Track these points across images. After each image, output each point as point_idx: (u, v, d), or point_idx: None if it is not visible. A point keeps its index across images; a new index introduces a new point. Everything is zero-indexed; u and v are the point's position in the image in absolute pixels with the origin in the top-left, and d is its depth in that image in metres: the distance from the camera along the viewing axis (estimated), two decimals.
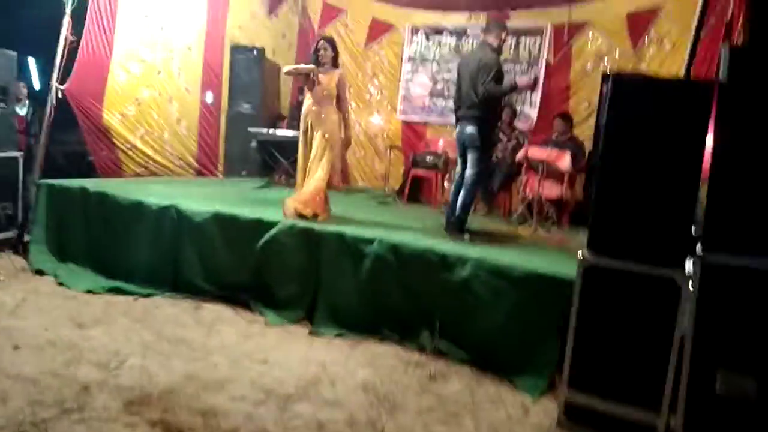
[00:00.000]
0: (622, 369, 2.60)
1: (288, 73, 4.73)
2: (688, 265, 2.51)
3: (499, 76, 4.05)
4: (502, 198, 6.11)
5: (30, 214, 4.88)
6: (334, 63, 4.53)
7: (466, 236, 4.08)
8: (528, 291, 3.23)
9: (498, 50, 4.18)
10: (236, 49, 7.04)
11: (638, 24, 6.13)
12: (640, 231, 2.58)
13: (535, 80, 4.42)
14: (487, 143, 4.19)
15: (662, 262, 2.53)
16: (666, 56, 5.91)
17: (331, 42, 4.53)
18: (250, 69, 7.06)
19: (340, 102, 4.48)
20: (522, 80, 4.29)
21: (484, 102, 4.05)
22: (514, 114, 6.30)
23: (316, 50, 4.48)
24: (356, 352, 3.44)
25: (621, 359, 2.60)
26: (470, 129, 4.14)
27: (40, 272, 4.40)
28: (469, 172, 4.16)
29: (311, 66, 4.45)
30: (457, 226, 4.15)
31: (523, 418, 2.81)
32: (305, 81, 4.52)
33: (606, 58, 6.46)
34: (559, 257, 3.69)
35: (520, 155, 5.54)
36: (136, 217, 4.34)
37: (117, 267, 4.35)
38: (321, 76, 4.44)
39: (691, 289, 2.44)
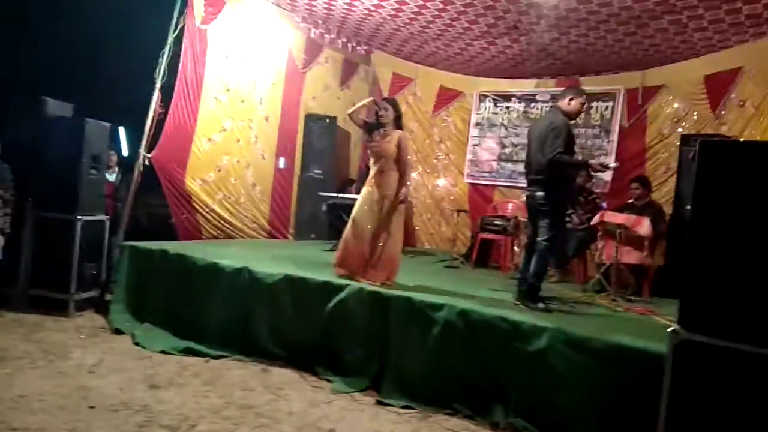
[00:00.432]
0: None
1: (351, 114, 4.58)
2: None
3: (568, 140, 3.92)
4: (576, 265, 5.88)
5: (113, 274, 5.10)
6: (397, 124, 4.42)
7: (541, 305, 3.88)
8: (610, 365, 3.00)
9: (569, 114, 4.05)
10: (310, 118, 7.34)
11: (717, 86, 5.92)
12: (734, 305, 2.36)
13: (607, 167, 4.09)
14: (558, 208, 4.00)
15: (760, 341, 2.29)
16: (749, 119, 5.63)
17: (392, 102, 4.47)
18: (322, 136, 7.32)
19: (400, 163, 4.33)
20: (594, 163, 4.00)
21: (553, 166, 3.90)
22: (589, 177, 6.11)
23: (377, 111, 4.43)
24: (425, 426, 3.27)
25: None
26: (539, 193, 4.00)
27: (118, 331, 4.53)
28: (540, 239, 3.98)
29: (370, 99, 4.45)
30: (530, 295, 3.96)
31: None
32: (365, 134, 4.48)
33: (683, 122, 6.25)
34: (642, 329, 3.44)
35: (596, 220, 5.34)
36: (211, 279, 4.44)
37: (191, 327, 4.42)
38: (381, 138, 4.36)
39: None
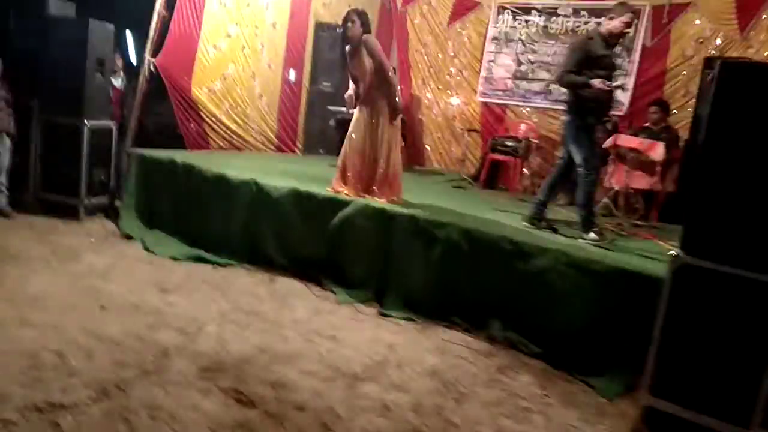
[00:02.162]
0: (711, 378, 2.41)
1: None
2: None
3: (586, 60, 3.71)
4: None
5: (122, 181, 5.15)
6: (366, 30, 4.07)
7: (592, 235, 3.79)
8: (611, 287, 3.06)
9: (606, 35, 3.76)
10: (320, 26, 7.06)
11: (748, 6, 5.61)
12: (741, 232, 2.36)
13: (614, 87, 3.80)
14: (585, 133, 3.81)
15: (761, 268, 2.31)
16: None
17: (359, 14, 4.06)
18: (333, 47, 7.01)
19: (380, 72, 4.07)
20: (596, 82, 3.67)
21: (565, 87, 3.83)
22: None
23: (344, 23, 4.06)
24: (424, 336, 3.39)
25: (710, 368, 2.42)
26: (566, 118, 3.95)
27: (128, 237, 4.64)
28: (577, 166, 3.85)
29: (349, 93, 4.20)
30: (583, 227, 3.88)
31: (596, 421, 2.68)
32: (342, 58, 4.21)
33: (708, 43, 5.98)
34: (646, 253, 3.47)
35: (608, 143, 5.24)
36: (219, 190, 4.48)
37: (200, 236, 4.51)
38: (352, 57, 4.09)
39: None
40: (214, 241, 4.44)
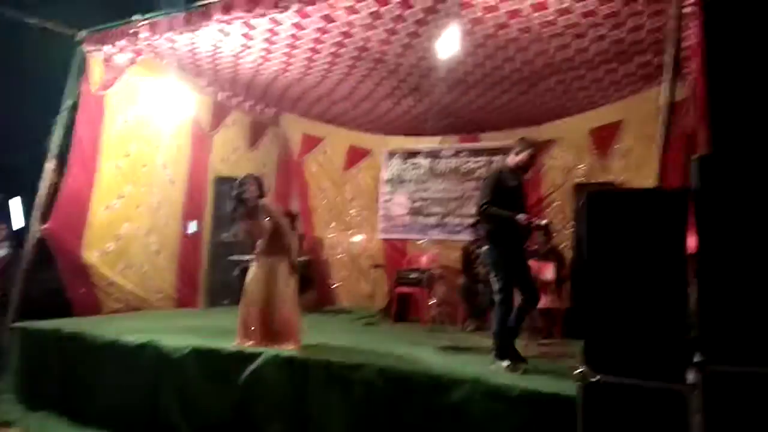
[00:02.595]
0: None
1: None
2: (690, 375, 2.40)
3: (501, 191, 3.89)
4: (491, 312, 6.02)
5: (4, 360, 4.64)
6: (260, 195, 4.37)
7: (506, 363, 3.72)
8: (528, 413, 3.05)
9: (515, 168, 4.01)
10: (219, 180, 7.20)
11: (603, 137, 6.45)
12: (636, 342, 2.49)
13: (539, 227, 3.96)
14: (500, 261, 3.89)
15: (664, 375, 2.41)
16: (634, 168, 6.13)
17: (255, 178, 4.38)
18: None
19: (279, 231, 4.31)
20: (521, 218, 3.84)
21: (487, 219, 3.94)
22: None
23: (240, 185, 4.32)
24: None
25: None
26: (483, 247, 4.06)
27: (5, 424, 4.07)
28: (494, 294, 3.94)
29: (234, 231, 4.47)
30: (496, 354, 3.84)
31: None
32: (240, 222, 4.42)
33: (575, 171, 6.71)
34: (559, 372, 3.54)
35: None
36: (113, 358, 4.14)
37: (92, 412, 4.09)
38: (252, 218, 4.33)
39: (696, 400, 2.31)
40: (110, 416, 4.00)
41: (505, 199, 3.91)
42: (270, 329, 4.18)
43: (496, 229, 3.93)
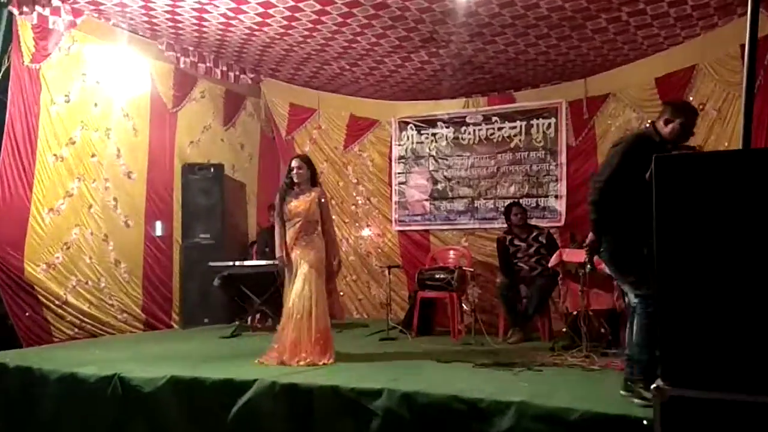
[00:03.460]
0: None
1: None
2: None
3: (629, 169, 3.54)
4: (539, 319, 6.08)
5: None
6: (313, 182, 4.98)
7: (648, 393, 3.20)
8: None
9: (665, 138, 3.65)
10: (189, 168, 7.27)
11: (671, 88, 6.37)
12: (722, 349, 2.46)
13: None
14: (636, 257, 3.57)
15: (758, 387, 2.39)
16: (712, 124, 6.06)
17: (305, 159, 5.04)
18: (207, 191, 7.24)
19: (324, 225, 4.93)
20: None
21: (604, 207, 3.68)
22: (523, 212, 6.39)
23: (289, 171, 4.93)
24: None
25: None
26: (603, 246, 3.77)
27: None
28: (631, 300, 3.71)
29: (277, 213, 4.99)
30: (635, 382, 3.45)
31: None
32: (279, 200, 4.93)
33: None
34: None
35: (553, 261, 5.53)
36: (70, 396, 4.18)
37: None
38: (297, 202, 4.85)
39: None
40: None
41: (631, 181, 3.50)
42: (309, 342, 4.60)
43: (618, 220, 3.65)
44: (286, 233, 4.90)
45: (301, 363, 4.48)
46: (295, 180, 4.89)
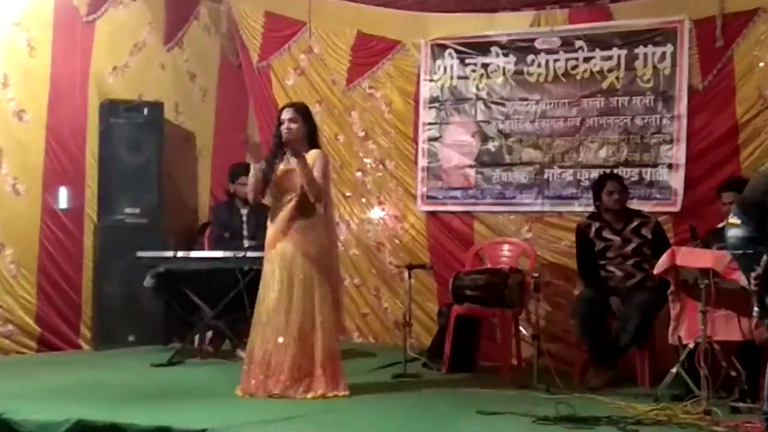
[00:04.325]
0: None
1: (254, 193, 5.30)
2: None
3: None
4: (637, 353, 6.06)
5: None
6: (311, 141, 5.17)
7: None
8: None
9: None
10: (111, 107, 7.30)
11: None
12: None
13: None
14: None
15: None
16: None
17: (301, 109, 5.24)
18: (137, 143, 7.31)
19: (325, 206, 5.16)
20: None
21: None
22: (623, 190, 6.31)
23: (279, 124, 5.11)
24: None
25: None
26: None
27: None
28: None
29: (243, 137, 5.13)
30: None
31: None
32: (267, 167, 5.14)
33: None
34: None
35: (662, 266, 5.48)
36: None
37: None
38: (286, 163, 5.06)
39: None
40: None
41: None
42: (307, 369, 4.89)
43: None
44: (277, 216, 5.08)
45: (308, 395, 4.83)
46: (286, 138, 5.01)
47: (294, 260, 4.97)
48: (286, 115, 5.10)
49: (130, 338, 6.99)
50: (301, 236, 4.97)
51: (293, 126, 5.04)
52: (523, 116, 7.49)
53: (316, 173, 5.00)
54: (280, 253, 4.99)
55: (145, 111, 7.39)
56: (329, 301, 5.07)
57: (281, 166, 5.07)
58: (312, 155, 5.04)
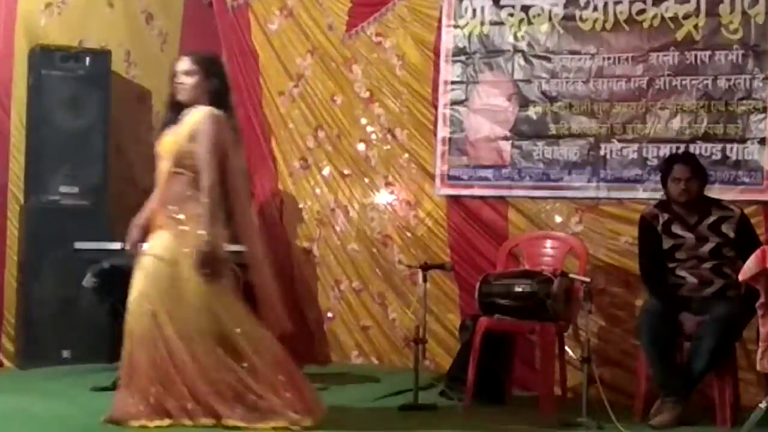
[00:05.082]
0: None
1: None
2: None
3: None
4: (714, 380, 6.00)
5: None
6: (216, 98, 5.14)
7: None
8: None
9: None
10: (43, 55, 7.33)
11: None
12: None
13: None
14: None
15: None
16: None
17: (203, 61, 5.25)
18: (77, 101, 7.37)
19: (231, 190, 5.11)
20: None
21: None
22: (695, 176, 6.27)
23: (173, 77, 5.20)
24: None
25: None
26: None
27: None
28: None
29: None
30: None
31: None
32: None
33: None
34: None
35: (749, 270, 5.47)
36: None
37: None
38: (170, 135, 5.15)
39: None
40: None
41: None
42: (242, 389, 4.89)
43: None
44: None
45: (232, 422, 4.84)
46: (178, 97, 5.10)
47: (171, 253, 5.03)
48: (181, 66, 5.12)
49: (65, 354, 7.02)
50: (175, 224, 5.02)
51: (188, 81, 5.04)
52: (573, 74, 7.43)
53: (199, 147, 4.98)
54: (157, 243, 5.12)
55: (88, 61, 7.44)
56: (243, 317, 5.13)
57: (167, 136, 5.11)
58: (195, 116, 5.03)
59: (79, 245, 6.61)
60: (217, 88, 5.11)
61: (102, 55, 7.51)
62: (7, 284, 7.18)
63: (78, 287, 6.71)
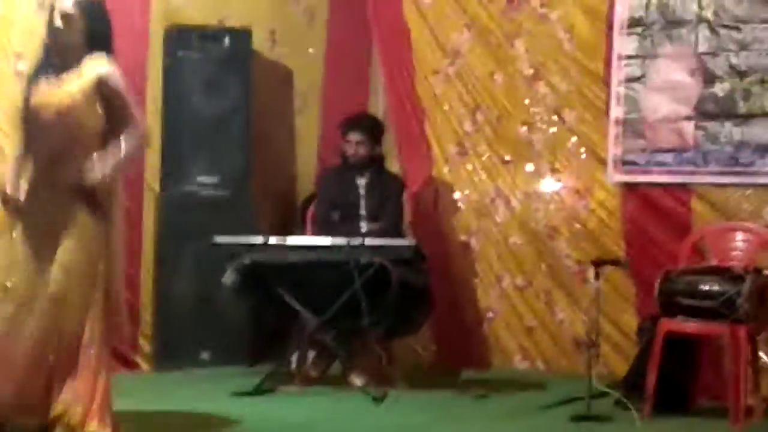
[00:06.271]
0: None
1: None
2: None
3: None
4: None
5: None
6: (98, 43, 4.69)
7: None
8: None
9: None
10: (180, 35, 7.40)
11: None
12: None
13: None
14: None
15: None
16: None
17: (82, 2, 4.69)
18: (216, 84, 7.39)
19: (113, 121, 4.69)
20: None
21: None
22: None
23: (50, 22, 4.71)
24: None
25: None
26: None
27: None
28: None
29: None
30: None
31: None
32: None
33: None
34: None
35: None
36: None
37: None
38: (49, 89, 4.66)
39: None
40: None
41: None
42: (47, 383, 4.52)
43: None
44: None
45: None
46: (59, 44, 4.73)
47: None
48: (61, 6, 4.62)
49: (204, 356, 7.06)
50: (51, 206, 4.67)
51: (68, 24, 4.61)
52: (767, 46, 7.23)
53: (107, 85, 4.63)
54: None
55: (227, 41, 7.46)
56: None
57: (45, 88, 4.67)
58: (97, 65, 4.64)
59: (218, 239, 6.60)
60: (95, 33, 4.68)
61: (243, 34, 7.54)
62: (144, 281, 7.25)
63: (217, 285, 6.72)
